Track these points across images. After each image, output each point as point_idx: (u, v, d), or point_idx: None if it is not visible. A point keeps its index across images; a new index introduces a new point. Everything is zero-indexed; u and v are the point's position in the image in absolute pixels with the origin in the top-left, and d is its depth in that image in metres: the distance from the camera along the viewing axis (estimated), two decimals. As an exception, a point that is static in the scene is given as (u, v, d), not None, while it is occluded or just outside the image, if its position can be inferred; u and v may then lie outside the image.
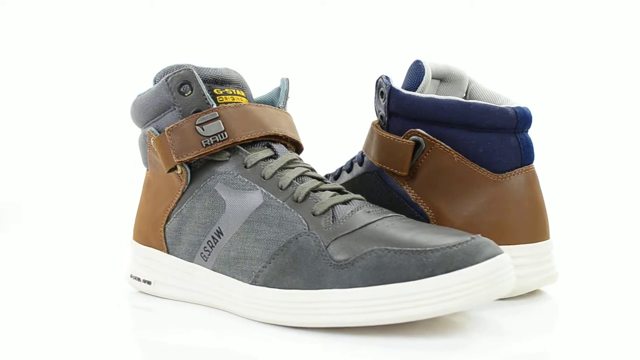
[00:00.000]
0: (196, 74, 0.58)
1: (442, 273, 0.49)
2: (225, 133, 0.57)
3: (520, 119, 0.60)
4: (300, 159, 0.60)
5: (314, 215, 0.54)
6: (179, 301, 0.61)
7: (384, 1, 1.19)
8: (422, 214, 0.61)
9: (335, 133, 0.99)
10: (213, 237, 0.57)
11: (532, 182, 0.61)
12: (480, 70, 0.70)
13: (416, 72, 0.63)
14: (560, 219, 0.79)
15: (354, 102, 0.94)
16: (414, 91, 0.62)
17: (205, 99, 0.58)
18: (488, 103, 0.60)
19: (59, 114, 1.18)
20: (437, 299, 0.49)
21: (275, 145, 0.60)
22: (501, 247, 0.59)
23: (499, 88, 0.67)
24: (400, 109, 0.62)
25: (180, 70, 0.58)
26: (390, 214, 0.55)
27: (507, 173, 0.60)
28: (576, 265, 0.75)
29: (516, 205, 0.60)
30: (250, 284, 0.54)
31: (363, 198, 0.58)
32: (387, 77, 0.63)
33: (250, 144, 0.59)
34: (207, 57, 0.69)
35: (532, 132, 0.63)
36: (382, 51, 0.68)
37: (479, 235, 0.52)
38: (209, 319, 0.57)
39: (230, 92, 0.61)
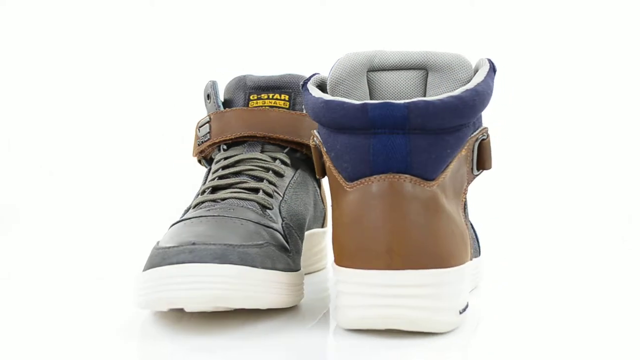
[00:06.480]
0: (214, 85, 0.68)
1: (148, 269, 0.51)
2: (209, 134, 0.67)
3: (377, 117, 0.48)
4: (260, 159, 0.62)
5: (191, 208, 0.60)
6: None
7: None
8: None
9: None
10: None
11: (382, 196, 0.48)
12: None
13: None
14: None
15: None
16: (323, 88, 0.57)
17: (217, 105, 0.68)
18: (340, 99, 0.50)
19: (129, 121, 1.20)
20: (141, 292, 0.52)
21: (249, 146, 0.64)
22: (343, 268, 0.53)
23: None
24: (306, 109, 0.57)
25: (207, 83, 0.70)
26: (225, 214, 0.56)
27: (354, 182, 0.50)
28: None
29: (351, 221, 0.50)
30: None
31: (257, 200, 0.59)
32: (311, 75, 0.58)
33: (233, 144, 0.65)
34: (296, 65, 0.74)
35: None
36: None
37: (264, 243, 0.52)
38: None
39: (265, 97, 0.67)
